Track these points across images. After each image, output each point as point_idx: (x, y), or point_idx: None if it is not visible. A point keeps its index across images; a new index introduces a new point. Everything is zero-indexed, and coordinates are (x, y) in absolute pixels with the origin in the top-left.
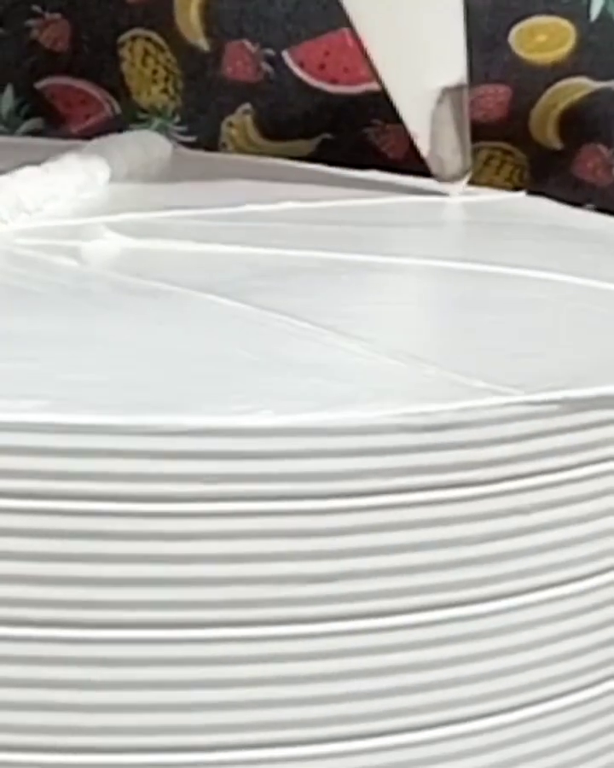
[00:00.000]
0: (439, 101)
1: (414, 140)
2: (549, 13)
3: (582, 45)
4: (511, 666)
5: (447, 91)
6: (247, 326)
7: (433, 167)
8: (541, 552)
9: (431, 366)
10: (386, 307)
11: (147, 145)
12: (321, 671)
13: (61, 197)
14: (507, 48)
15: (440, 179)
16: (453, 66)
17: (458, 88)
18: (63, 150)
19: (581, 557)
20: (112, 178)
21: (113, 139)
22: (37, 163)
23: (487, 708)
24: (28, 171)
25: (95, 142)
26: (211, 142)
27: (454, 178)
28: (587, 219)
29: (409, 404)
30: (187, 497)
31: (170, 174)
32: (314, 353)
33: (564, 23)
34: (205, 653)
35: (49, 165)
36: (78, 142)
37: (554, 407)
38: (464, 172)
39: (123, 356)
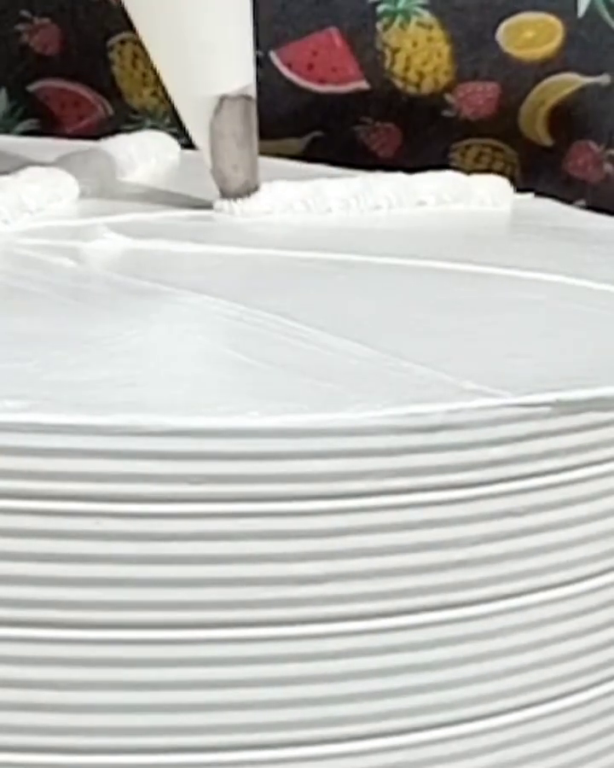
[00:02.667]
0: (217, 111)
1: (202, 153)
2: (537, 9)
3: (569, 41)
4: (506, 668)
5: (226, 101)
6: (239, 326)
7: (216, 182)
8: (536, 554)
9: (423, 367)
10: (379, 308)
11: (154, 146)
12: (313, 672)
13: (65, 197)
14: (496, 45)
15: (223, 196)
16: (234, 74)
17: (241, 98)
18: (69, 150)
19: (576, 559)
20: (119, 178)
21: (120, 140)
22: (42, 163)
23: (483, 710)
24: (32, 171)
25: (101, 142)
26: None
27: (236, 196)
28: (589, 220)
29: (399, 406)
30: (173, 498)
31: (177, 174)
32: (304, 354)
33: (552, 19)
34: (195, 654)
35: (54, 166)
36: (85, 142)
37: (546, 409)
38: (248, 191)
39: (113, 356)
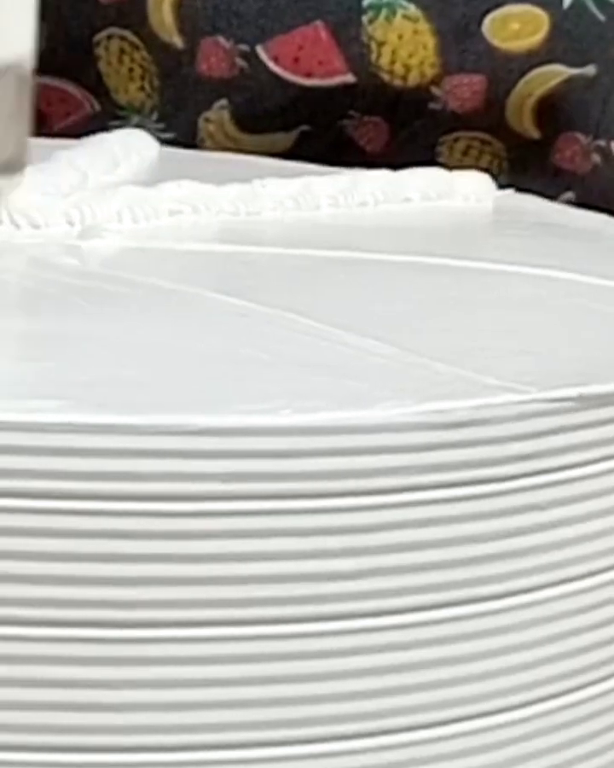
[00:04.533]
0: None
1: None
2: (522, 0)
3: (555, 32)
4: (525, 661)
5: None
6: (258, 325)
7: None
8: (559, 548)
9: (442, 364)
10: (389, 305)
11: (136, 144)
12: (331, 669)
13: (57, 196)
14: (481, 37)
15: None
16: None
17: (9, 71)
18: (52, 149)
19: (598, 552)
20: (103, 177)
21: (102, 138)
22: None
23: (492, 706)
24: (29, 171)
25: (83, 141)
26: (188, 139)
27: None
28: (577, 217)
29: (426, 402)
30: (204, 496)
31: (160, 173)
32: (327, 352)
33: (538, 10)
34: (216, 651)
35: (43, 165)
36: (66, 141)
37: (570, 404)
38: (12, 170)
39: (134, 355)
